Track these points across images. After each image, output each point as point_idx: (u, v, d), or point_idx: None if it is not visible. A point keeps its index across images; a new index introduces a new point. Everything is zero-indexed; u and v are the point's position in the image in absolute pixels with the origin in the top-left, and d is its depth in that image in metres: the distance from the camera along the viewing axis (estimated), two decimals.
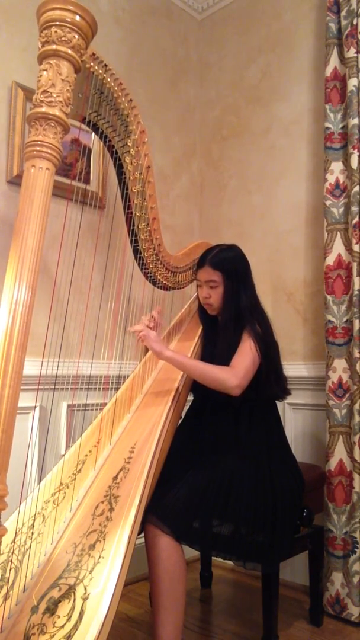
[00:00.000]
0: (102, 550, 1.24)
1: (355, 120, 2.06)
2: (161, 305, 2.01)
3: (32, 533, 1.39)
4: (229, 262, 1.77)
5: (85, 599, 1.14)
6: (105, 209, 2.31)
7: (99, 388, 1.95)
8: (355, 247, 2.04)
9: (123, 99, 1.53)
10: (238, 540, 1.56)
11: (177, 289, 1.99)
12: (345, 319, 2.10)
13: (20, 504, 1.42)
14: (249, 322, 1.70)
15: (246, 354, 1.65)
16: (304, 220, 2.43)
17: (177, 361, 1.66)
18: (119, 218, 1.81)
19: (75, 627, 1.09)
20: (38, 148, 1.17)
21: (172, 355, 1.66)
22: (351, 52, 2.08)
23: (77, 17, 1.21)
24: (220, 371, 1.64)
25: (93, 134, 1.65)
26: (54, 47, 1.20)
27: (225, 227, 2.78)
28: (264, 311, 1.79)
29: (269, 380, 1.70)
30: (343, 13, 2.13)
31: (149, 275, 1.84)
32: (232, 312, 1.74)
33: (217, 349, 1.76)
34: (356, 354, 2.01)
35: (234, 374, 1.62)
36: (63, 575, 1.22)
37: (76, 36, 1.22)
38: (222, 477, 1.56)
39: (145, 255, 1.77)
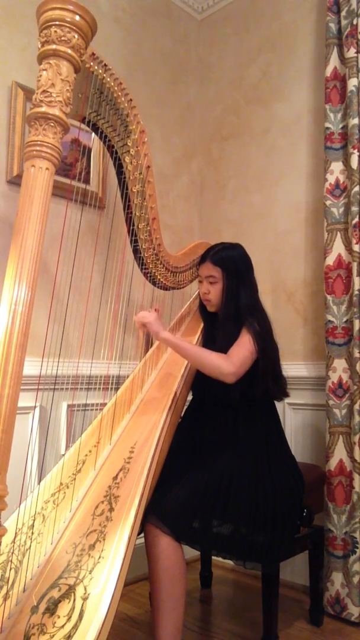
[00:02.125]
0: (102, 550, 1.24)
1: (355, 120, 2.06)
2: (161, 304, 2.01)
3: (32, 533, 1.39)
4: (229, 260, 1.77)
5: (85, 599, 1.14)
6: (105, 209, 2.31)
7: (99, 388, 1.96)
8: (355, 247, 2.03)
9: (123, 98, 1.53)
10: (238, 540, 1.56)
11: (177, 288, 1.99)
12: (345, 319, 2.10)
13: (20, 504, 1.42)
14: (248, 321, 1.70)
15: (243, 345, 1.65)
16: (304, 220, 2.43)
17: (173, 343, 1.67)
18: (118, 218, 1.81)
19: (75, 627, 1.09)
20: (38, 148, 1.18)
21: (168, 337, 1.67)
22: (351, 52, 2.08)
23: (77, 17, 1.21)
24: (216, 357, 1.64)
25: (93, 134, 1.65)
26: (54, 46, 1.20)
27: (225, 227, 2.78)
28: (264, 312, 1.79)
29: (266, 378, 1.69)
30: (343, 13, 2.13)
31: (148, 275, 1.84)
32: (231, 310, 1.74)
33: (215, 345, 1.76)
34: (356, 354, 2.01)
35: (231, 361, 1.62)
36: (63, 575, 1.22)
37: (76, 36, 1.22)
38: (221, 477, 1.56)
39: (145, 255, 1.77)
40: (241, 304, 1.74)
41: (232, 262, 1.77)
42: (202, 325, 1.96)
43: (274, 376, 1.72)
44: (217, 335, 1.78)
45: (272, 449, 1.72)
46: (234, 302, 1.74)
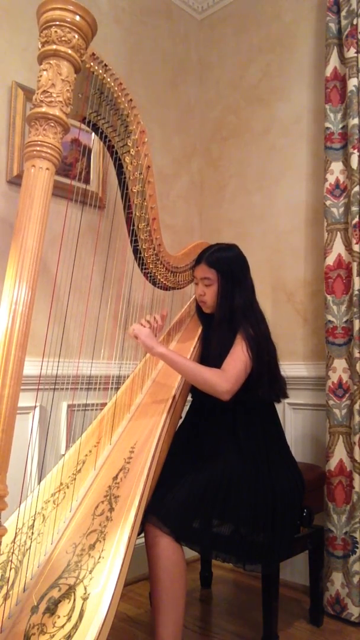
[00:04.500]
0: (102, 550, 1.24)
1: (355, 120, 2.06)
2: (161, 305, 2.01)
3: (32, 533, 1.39)
4: (224, 261, 1.77)
5: (85, 599, 1.14)
6: (105, 209, 2.31)
7: (99, 388, 1.95)
8: (355, 247, 2.03)
9: (123, 99, 1.53)
10: (238, 541, 1.56)
11: (177, 289, 1.99)
12: (345, 319, 2.10)
13: (20, 504, 1.42)
14: (242, 324, 1.70)
15: (238, 358, 1.64)
16: (304, 220, 2.43)
17: (168, 358, 1.64)
18: (119, 218, 1.81)
19: (75, 627, 1.09)
20: (38, 148, 1.18)
21: (163, 352, 1.63)
22: (351, 52, 2.08)
23: (77, 17, 1.21)
24: (211, 374, 1.62)
25: (93, 134, 1.65)
26: (54, 47, 1.20)
27: (225, 227, 2.78)
28: (260, 313, 1.79)
29: (261, 382, 1.68)
30: (343, 13, 2.13)
31: (148, 275, 1.84)
32: (226, 311, 1.74)
33: (210, 348, 1.76)
34: (356, 354, 2.01)
35: (226, 378, 1.61)
36: (63, 575, 1.22)
37: (76, 36, 1.22)
38: (221, 477, 1.56)
39: (145, 255, 1.77)
40: (236, 306, 1.73)
41: (226, 263, 1.77)
42: (201, 327, 1.95)
43: (270, 379, 1.71)
44: (212, 338, 1.78)
45: (271, 449, 1.72)
46: (228, 303, 1.74)
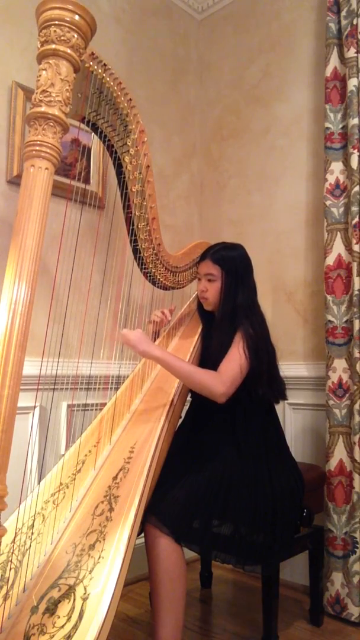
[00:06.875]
0: (101, 551, 1.23)
1: (355, 120, 2.05)
2: (161, 305, 2.01)
3: (32, 533, 1.39)
4: (229, 259, 1.77)
5: (85, 599, 1.14)
6: (105, 208, 2.31)
7: (99, 388, 1.95)
8: (355, 247, 2.03)
9: (122, 98, 1.53)
10: (238, 541, 1.55)
11: (177, 288, 1.99)
12: (345, 319, 2.10)
13: (20, 504, 1.42)
14: (242, 324, 1.70)
15: (233, 360, 1.63)
16: (304, 220, 2.43)
17: (163, 361, 1.62)
18: (118, 218, 1.81)
19: (75, 627, 1.09)
20: (37, 148, 1.17)
21: (158, 355, 1.61)
22: (351, 52, 2.08)
23: (76, 17, 1.21)
24: (207, 377, 1.61)
25: (93, 133, 1.65)
26: (53, 46, 1.20)
27: (225, 227, 2.78)
28: (261, 314, 1.79)
29: (260, 383, 1.68)
30: (343, 13, 2.13)
31: (148, 274, 1.84)
32: (228, 309, 1.74)
33: (211, 346, 1.76)
34: (356, 354, 2.01)
35: (222, 381, 1.60)
36: (63, 575, 1.22)
37: (75, 35, 1.21)
38: (221, 477, 1.56)
39: (145, 254, 1.77)
40: (238, 304, 1.73)
41: (231, 261, 1.77)
42: (201, 327, 1.95)
43: (269, 379, 1.71)
44: (213, 335, 1.77)
45: (271, 450, 1.72)
46: (231, 301, 1.74)
